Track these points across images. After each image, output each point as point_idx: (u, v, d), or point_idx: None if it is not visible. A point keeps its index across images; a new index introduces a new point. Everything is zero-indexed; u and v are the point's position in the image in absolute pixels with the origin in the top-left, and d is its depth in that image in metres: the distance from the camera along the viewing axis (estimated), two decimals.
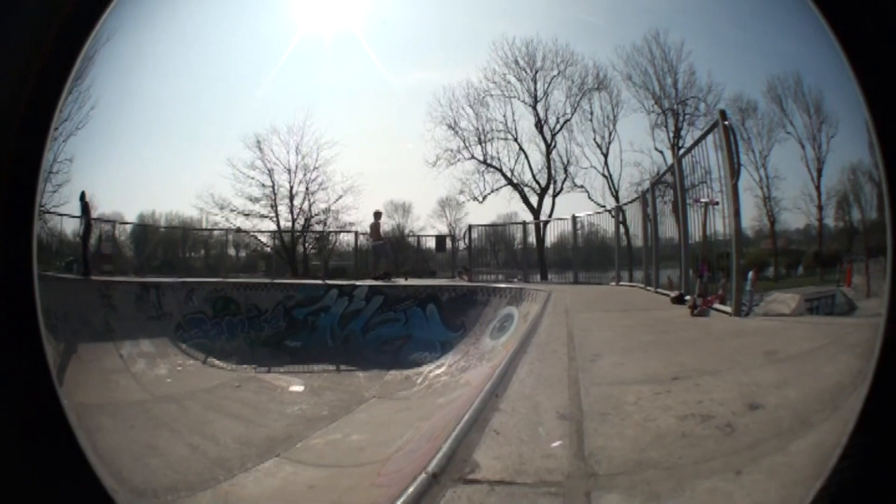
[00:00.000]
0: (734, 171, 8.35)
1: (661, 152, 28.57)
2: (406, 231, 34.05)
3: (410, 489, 3.21)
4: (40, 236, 2.09)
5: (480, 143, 31.81)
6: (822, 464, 2.00)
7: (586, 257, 20.76)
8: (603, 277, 19.63)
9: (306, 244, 30.92)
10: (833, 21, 1.93)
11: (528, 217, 29.79)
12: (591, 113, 30.73)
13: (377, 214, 22.81)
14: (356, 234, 26.54)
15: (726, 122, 8.63)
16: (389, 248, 22.78)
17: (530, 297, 14.26)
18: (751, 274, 9.66)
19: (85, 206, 17.39)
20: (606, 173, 30.24)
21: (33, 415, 1.95)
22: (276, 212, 30.03)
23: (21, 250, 1.97)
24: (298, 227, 30.47)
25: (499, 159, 31.84)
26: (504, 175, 31.68)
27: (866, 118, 1.87)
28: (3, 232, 1.91)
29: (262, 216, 29.77)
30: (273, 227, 29.99)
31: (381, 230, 22.54)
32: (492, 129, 31.83)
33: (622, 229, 19.19)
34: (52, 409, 1.98)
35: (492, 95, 31.90)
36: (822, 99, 22.78)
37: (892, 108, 1.82)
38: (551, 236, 24.53)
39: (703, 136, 9.91)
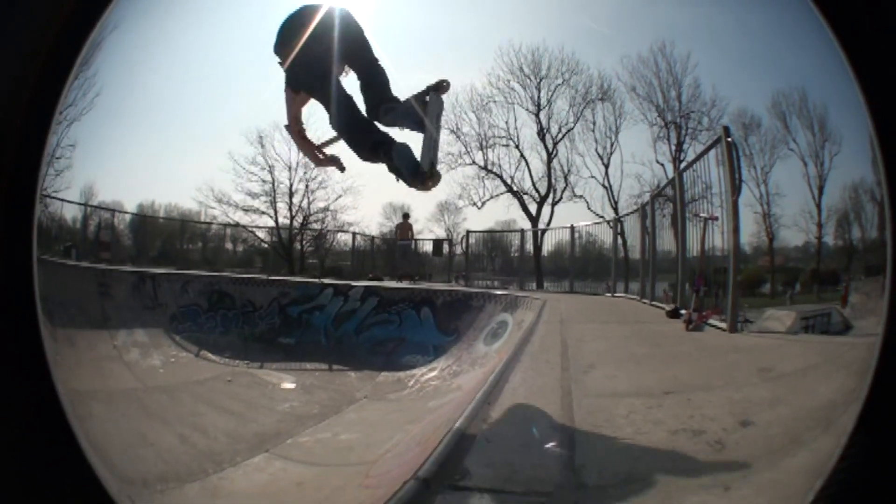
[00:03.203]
0: (735, 188, 8.37)
1: (662, 165, 28.58)
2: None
3: (401, 493, 3.22)
4: (41, 220, 2.09)
5: (482, 149, 31.78)
6: (813, 482, 2.01)
7: (583, 267, 20.79)
8: (599, 288, 19.66)
9: (304, 242, 30.91)
10: (842, 38, 1.94)
11: (527, 225, 29.76)
12: (594, 123, 30.71)
13: (406, 216, 22.93)
14: (354, 234, 26.60)
15: (729, 139, 8.65)
16: (409, 250, 22.69)
17: (525, 304, 14.24)
18: None
19: None
20: (607, 184, 30.21)
21: (29, 400, 1.96)
22: (274, 208, 30.03)
23: (22, 234, 1.97)
24: (297, 224, 30.46)
25: (499, 166, 31.81)
26: (504, 182, 31.64)
27: (871, 136, 1.88)
28: (4, 214, 1.92)
29: (261, 212, 29.77)
30: (271, 223, 29.98)
31: (408, 231, 22.54)
32: (494, 136, 31.81)
33: (620, 241, 19.20)
34: (48, 394, 1.98)
35: (495, 101, 31.87)
36: (827, 116, 22.82)
37: None
38: (549, 245, 24.57)
39: (706, 152, 9.94)
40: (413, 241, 22.73)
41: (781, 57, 26.67)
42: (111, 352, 12.77)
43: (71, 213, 19.14)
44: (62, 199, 17.81)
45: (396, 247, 22.95)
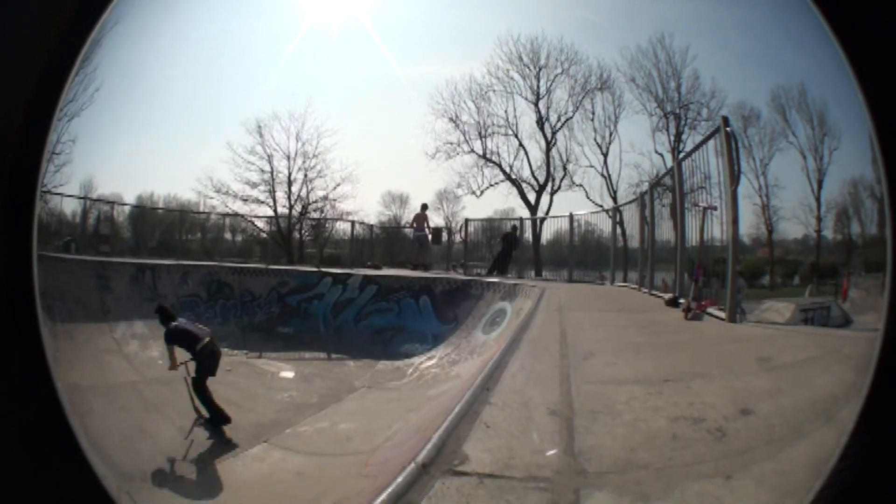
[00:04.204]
0: (734, 178, 8.34)
1: (661, 155, 28.52)
2: (402, 222, 33.89)
3: (400, 478, 3.21)
4: (40, 216, 2.08)
5: (480, 138, 31.66)
6: (814, 473, 2.00)
7: (582, 256, 20.75)
8: (597, 277, 19.64)
9: (302, 231, 30.90)
10: (841, 34, 1.93)
11: (525, 213, 29.71)
12: (593, 113, 30.59)
13: (424, 206, 22.91)
14: (353, 222, 26.55)
15: (728, 129, 8.59)
16: (426, 240, 22.59)
17: (524, 293, 14.23)
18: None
19: None
20: (605, 173, 30.13)
21: (27, 396, 1.95)
22: (273, 198, 29.91)
23: (22, 230, 1.96)
24: (295, 213, 30.42)
25: (498, 154, 31.71)
26: (503, 170, 31.56)
27: (870, 133, 1.86)
28: (4, 211, 1.90)
29: (260, 202, 29.72)
30: (270, 212, 29.94)
31: (425, 222, 22.47)
32: (492, 124, 31.69)
33: (619, 230, 19.16)
34: (46, 390, 1.97)
35: (494, 91, 31.75)
36: (826, 111, 22.81)
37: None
38: (547, 233, 24.54)
39: (705, 141, 9.90)
40: (428, 232, 22.63)
41: (780, 51, 26.77)
42: (111, 345, 12.80)
43: (71, 206, 19.19)
44: (62, 195, 17.83)
45: (413, 237, 22.95)
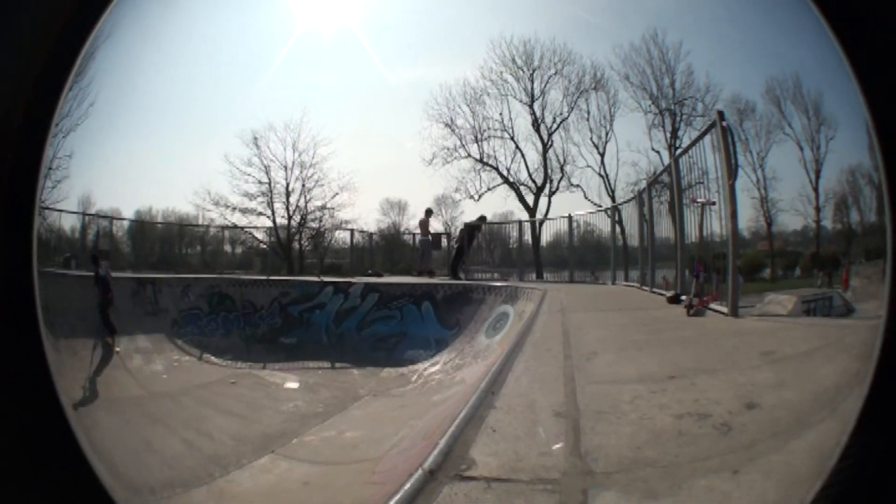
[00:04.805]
0: (731, 172, 8.34)
1: (657, 152, 28.58)
2: (401, 229, 33.89)
3: (407, 485, 3.21)
4: (39, 232, 2.08)
5: (477, 142, 31.70)
6: (821, 464, 2.00)
7: (582, 257, 20.75)
8: (598, 277, 19.64)
9: (302, 241, 30.92)
10: (834, 23, 1.93)
11: (524, 216, 29.78)
12: (588, 112, 30.64)
13: (428, 212, 22.93)
14: (352, 231, 26.60)
15: (724, 123, 8.60)
16: (431, 246, 22.56)
17: (525, 295, 14.23)
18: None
19: None
20: (603, 173, 30.20)
21: (33, 411, 1.95)
22: (272, 209, 30.01)
23: (21, 247, 1.96)
24: (294, 224, 30.45)
25: (495, 158, 31.74)
26: (500, 173, 31.60)
27: (867, 120, 1.87)
28: (3, 228, 1.91)
29: (259, 213, 29.77)
30: (269, 223, 30.00)
31: (429, 227, 22.46)
32: (488, 128, 31.73)
33: (618, 229, 19.17)
34: (51, 405, 1.97)
35: (489, 94, 31.79)
36: (822, 101, 22.84)
37: (894, 110, 1.82)
38: (547, 235, 24.58)
39: (701, 137, 9.89)
40: (430, 237, 22.58)
41: (773, 42, 26.67)
42: (114, 359, 12.84)
43: (69, 222, 19.23)
44: (60, 210, 17.88)
45: (418, 244, 22.96)
